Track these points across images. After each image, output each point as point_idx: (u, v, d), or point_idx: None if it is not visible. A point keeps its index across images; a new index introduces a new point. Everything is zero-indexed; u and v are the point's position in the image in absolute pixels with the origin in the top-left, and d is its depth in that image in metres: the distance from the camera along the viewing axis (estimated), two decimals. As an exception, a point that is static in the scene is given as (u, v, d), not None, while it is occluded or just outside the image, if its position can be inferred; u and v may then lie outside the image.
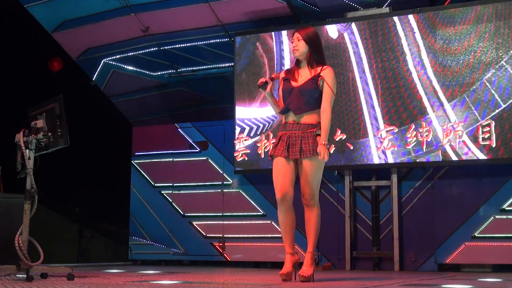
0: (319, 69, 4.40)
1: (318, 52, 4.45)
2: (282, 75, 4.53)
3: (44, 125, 4.45)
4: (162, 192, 8.21)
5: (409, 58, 6.68)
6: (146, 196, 8.29)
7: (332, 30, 7.05)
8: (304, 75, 4.43)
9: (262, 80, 4.39)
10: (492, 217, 6.46)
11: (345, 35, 6.98)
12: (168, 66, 8.58)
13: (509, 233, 6.36)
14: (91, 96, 9.14)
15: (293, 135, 4.35)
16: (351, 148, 6.76)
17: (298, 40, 4.42)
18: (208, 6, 7.60)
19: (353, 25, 6.96)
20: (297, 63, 4.49)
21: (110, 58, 8.55)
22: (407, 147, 6.57)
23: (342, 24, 7.01)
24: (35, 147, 4.39)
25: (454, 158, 6.39)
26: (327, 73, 4.39)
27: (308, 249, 4.35)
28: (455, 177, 6.69)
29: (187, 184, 8.07)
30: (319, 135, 4.33)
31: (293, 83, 4.41)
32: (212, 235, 7.81)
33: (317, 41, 4.47)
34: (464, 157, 6.35)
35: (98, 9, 7.83)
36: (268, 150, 4.54)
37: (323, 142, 4.27)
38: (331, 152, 4.48)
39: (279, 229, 4.53)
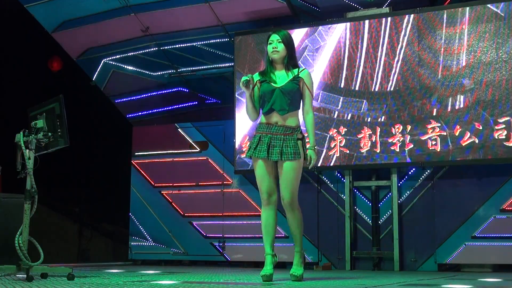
0: (296, 71, 4.42)
1: (293, 54, 4.49)
2: (256, 77, 4.48)
3: (44, 125, 4.45)
4: (162, 192, 8.21)
5: (409, 57, 6.68)
6: (146, 196, 8.29)
7: (331, 29, 7.06)
8: (282, 76, 4.42)
9: (246, 78, 4.32)
10: (492, 217, 6.46)
11: (344, 34, 6.99)
12: (168, 66, 8.57)
13: (509, 233, 6.36)
14: (91, 96, 9.13)
15: (274, 137, 4.34)
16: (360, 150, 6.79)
17: (278, 42, 4.42)
18: (208, 6, 7.60)
19: (353, 24, 6.96)
20: (271, 65, 4.47)
21: (110, 58, 8.55)
22: (413, 147, 6.59)
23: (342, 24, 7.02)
24: (35, 147, 4.39)
25: (457, 158, 6.39)
26: (306, 75, 4.42)
27: (296, 249, 4.39)
28: (455, 177, 6.69)
29: (187, 184, 8.06)
30: (299, 139, 4.33)
31: (273, 84, 4.40)
32: (212, 235, 7.81)
33: (293, 44, 4.51)
34: (465, 157, 6.35)
35: (98, 9, 7.83)
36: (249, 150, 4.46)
37: (313, 148, 4.30)
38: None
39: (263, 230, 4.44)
